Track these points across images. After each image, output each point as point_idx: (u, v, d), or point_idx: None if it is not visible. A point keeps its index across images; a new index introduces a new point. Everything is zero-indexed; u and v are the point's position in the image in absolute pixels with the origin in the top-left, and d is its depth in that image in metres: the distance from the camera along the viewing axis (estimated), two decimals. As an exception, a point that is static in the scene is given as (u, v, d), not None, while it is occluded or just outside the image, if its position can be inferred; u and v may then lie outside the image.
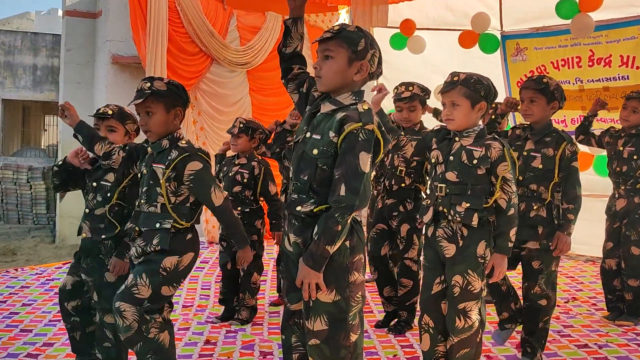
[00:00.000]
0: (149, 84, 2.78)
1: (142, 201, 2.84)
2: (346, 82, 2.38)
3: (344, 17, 8.61)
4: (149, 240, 2.78)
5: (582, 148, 4.12)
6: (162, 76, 5.21)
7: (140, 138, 3.25)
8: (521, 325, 3.58)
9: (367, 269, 4.17)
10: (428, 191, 4.04)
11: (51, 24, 21.65)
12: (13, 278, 5.76)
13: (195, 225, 2.90)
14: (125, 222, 3.15)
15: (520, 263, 3.54)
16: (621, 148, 4.45)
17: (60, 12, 14.34)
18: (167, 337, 2.78)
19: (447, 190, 2.94)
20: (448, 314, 2.94)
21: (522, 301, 3.58)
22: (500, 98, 3.63)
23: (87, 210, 3.21)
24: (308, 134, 2.39)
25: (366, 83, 2.45)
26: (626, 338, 4.10)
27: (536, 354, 3.50)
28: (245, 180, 4.37)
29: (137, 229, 2.85)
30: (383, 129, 2.34)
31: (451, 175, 2.94)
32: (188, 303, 4.93)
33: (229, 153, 4.65)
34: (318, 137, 2.34)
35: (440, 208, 2.95)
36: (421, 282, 3.31)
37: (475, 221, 2.87)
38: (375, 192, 4.26)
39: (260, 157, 4.56)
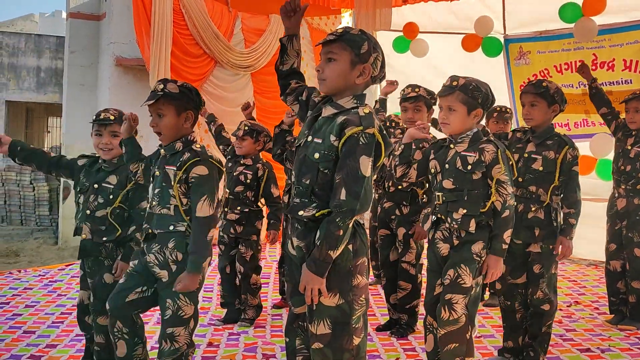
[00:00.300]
0: (162, 86, 2.78)
1: (154, 203, 2.80)
2: (348, 85, 2.38)
3: (347, 20, 8.62)
4: (164, 243, 2.74)
5: (583, 152, 4.11)
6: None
7: (140, 138, 3.24)
8: None
9: (371, 272, 4.17)
10: (424, 196, 4.09)
11: (55, 26, 21.72)
12: (16, 279, 5.77)
13: None
14: (126, 225, 3.15)
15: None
16: (629, 147, 4.44)
17: (64, 14, 14.38)
18: None
19: (444, 198, 2.97)
20: (437, 306, 2.96)
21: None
22: (503, 102, 3.64)
23: (87, 212, 3.19)
24: (309, 138, 2.39)
25: (369, 87, 2.45)
26: (629, 342, 4.10)
27: (538, 358, 3.50)
28: (248, 181, 4.39)
29: (150, 230, 2.80)
30: (384, 132, 2.34)
31: (447, 183, 2.98)
32: (190, 305, 4.92)
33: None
34: (319, 141, 2.34)
35: (439, 216, 2.99)
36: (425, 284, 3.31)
37: (472, 227, 2.90)
38: (376, 195, 4.26)
39: (265, 160, 4.58)
